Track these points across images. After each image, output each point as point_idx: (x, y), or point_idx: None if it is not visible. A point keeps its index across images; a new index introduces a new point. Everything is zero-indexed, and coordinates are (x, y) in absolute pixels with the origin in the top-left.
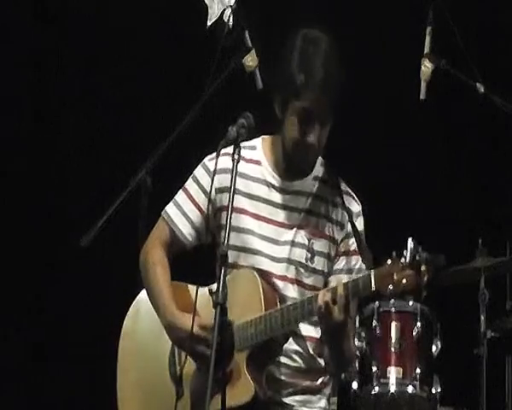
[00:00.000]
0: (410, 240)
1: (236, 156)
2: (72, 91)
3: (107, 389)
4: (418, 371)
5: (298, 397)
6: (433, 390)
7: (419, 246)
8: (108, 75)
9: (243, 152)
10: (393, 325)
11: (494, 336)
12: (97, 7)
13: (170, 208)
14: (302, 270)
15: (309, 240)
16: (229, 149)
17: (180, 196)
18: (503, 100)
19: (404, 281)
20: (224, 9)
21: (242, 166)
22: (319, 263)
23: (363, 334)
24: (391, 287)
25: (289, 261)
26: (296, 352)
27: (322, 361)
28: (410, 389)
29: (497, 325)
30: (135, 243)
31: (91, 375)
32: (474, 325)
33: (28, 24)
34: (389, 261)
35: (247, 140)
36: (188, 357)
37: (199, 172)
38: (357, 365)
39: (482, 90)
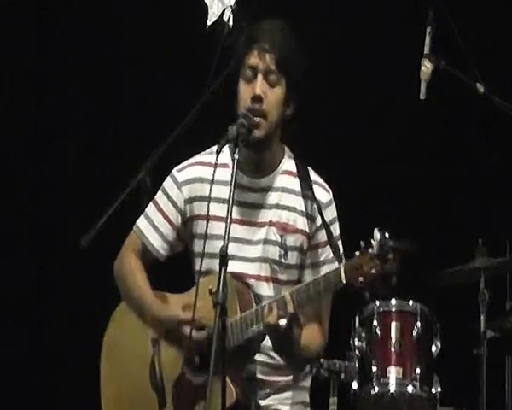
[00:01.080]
0: (376, 230)
1: (236, 156)
2: (71, 91)
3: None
4: (418, 371)
5: (275, 396)
6: (433, 390)
7: (385, 234)
8: (108, 75)
9: (210, 158)
10: (393, 325)
11: (494, 336)
12: (97, 7)
13: (140, 221)
14: (276, 267)
15: (281, 236)
16: (202, 158)
17: (150, 209)
18: (503, 100)
19: (374, 271)
20: (224, 9)
21: (211, 173)
22: (293, 258)
23: (363, 334)
24: (361, 279)
25: (263, 260)
26: (272, 348)
27: None
28: (410, 389)
29: (497, 324)
30: None
31: (90, 376)
32: (474, 325)
33: (29, 24)
34: (358, 253)
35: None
36: (168, 367)
37: (167, 183)
38: (357, 365)
39: (482, 90)
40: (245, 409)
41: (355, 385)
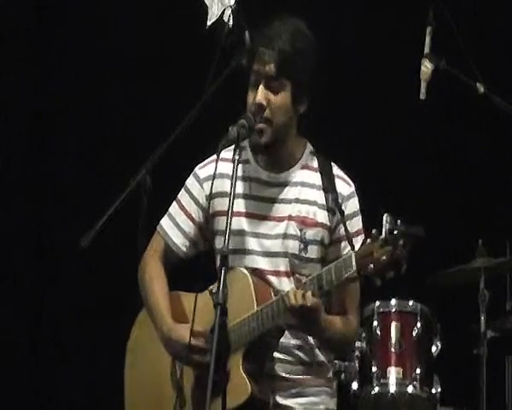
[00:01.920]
0: (385, 215)
1: (237, 157)
2: (72, 90)
3: (103, 389)
4: (418, 371)
5: (301, 400)
6: (433, 390)
7: (396, 220)
8: (109, 75)
9: (232, 154)
10: (393, 325)
11: (494, 336)
12: (97, 7)
13: (164, 221)
14: (296, 261)
15: (301, 230)
16: (224, 154)
17: (173, 208)
18: (503, 100)
19: (384, 258)
20: (224, 9)
21: (232, 169)
22: (313, 252)
23: (363, 334)
24: (372, 265)
25: (283, 255)
26: (296, 346)
27: (322, 356)
28: (410, 389)
29: (497, 325)
30: (135, 243)
31: (90, 376)
32: (474, 325)
33: (30, 23)
34: (369, 240)
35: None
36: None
37: (189, 181)
38: (357, 365)
39: (482, 90)
40: (262, 405)
41: (355, 385)
